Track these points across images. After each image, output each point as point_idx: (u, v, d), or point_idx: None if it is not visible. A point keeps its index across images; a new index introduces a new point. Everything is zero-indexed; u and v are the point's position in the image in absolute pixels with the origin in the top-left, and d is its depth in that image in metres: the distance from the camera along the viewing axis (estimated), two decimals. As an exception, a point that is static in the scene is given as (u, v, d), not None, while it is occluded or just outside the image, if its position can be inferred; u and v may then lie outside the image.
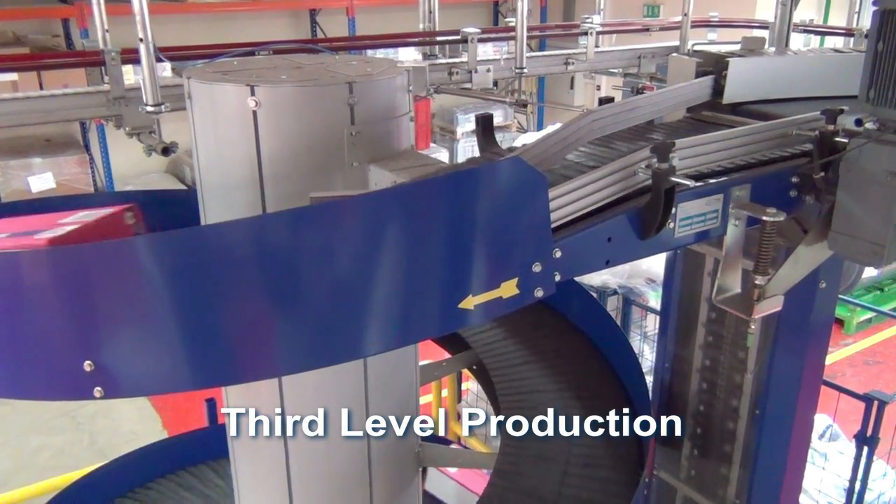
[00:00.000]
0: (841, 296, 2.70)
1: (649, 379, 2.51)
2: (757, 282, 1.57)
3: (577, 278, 2.49)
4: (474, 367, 2.61)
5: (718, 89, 2.01)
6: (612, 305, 4.75)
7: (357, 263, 1.15)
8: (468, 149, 10.70)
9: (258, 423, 1.87)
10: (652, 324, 4.70)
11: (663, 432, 2.47)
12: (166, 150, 2.53)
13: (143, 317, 1.12)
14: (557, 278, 1.33)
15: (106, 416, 6.21)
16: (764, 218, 1.51)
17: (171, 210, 2.39)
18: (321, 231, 1.12)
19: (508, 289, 1.26)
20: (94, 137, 8.81)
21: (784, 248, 1.89)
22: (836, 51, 2.28)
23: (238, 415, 1.92)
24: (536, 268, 1.28)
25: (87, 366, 1.13)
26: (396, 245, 1.17)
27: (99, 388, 1.14)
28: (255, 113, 1.54)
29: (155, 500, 2.78)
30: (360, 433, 1.84)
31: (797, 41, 4.89)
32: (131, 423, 6.10)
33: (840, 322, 7.38)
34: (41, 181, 7.66)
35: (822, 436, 4.24)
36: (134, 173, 8.81)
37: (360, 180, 1.61)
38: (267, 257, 1.11)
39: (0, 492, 4.01)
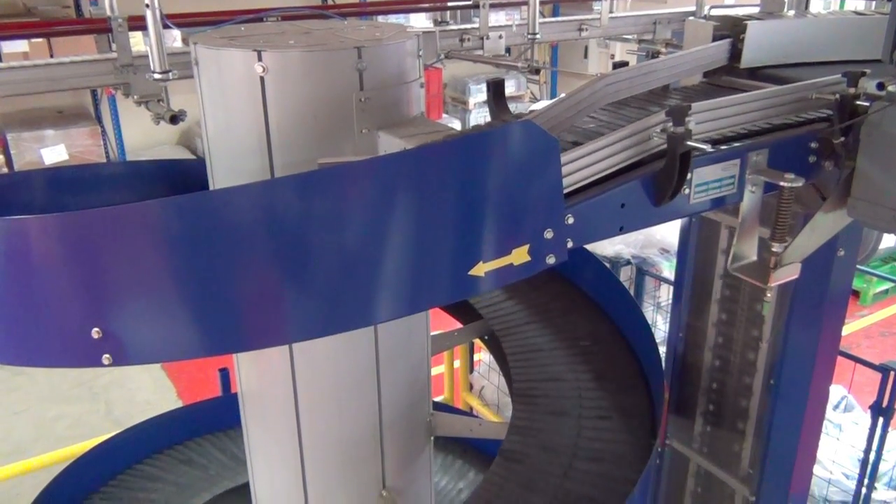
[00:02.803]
0: (858, 266, 2.66)
1: (662, 349, 2.49)
2: (774, 249, 1.54)
3: (589, 247, 2.47)
4: (486, 338, 2.60)
5: (736, 53, 1.97)
6: (626, 276, 4.72)
7: (366, 229, 1.13)
8: (480, 119, 10.65)
9: (269, 391, 1.88)
10: (665, 294, 4.68)
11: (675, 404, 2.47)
12: (174, 119, 2.51)
13: (151, 283, 1.11)
14: (570, 245, 1.31)
15: (121, 386, 6.28)
16: (782, 184, 1.48)
17: (181, 179, 2.38)
18: (329, 196, 1.10)
19: (520, 255, 1.24)
20: (105, 109, 8.82)
21: (802, 215, 1.86)
22: (858, 13, 2.22)
23: (250, 382, 1.93)
24: (548, 234, 1.26)
25: (96, 333, 1.12)
26: (405, 211, 1.15)
27: (107, 355, 1.14)
28: (262, 79, 1.52)
29: (170, 467, 2.81)
30: (372, 402, 1.85)
31: (817, 4, 4.79)
32: (146, 393, 6.17)
33: (856, 293, 7.32)
34: (54, 153, 7.69)
35: (836, 406, 4.22)
36: (145, 145, 8.83)
37: (369, 147, 1.58)
38: (274, 222, 1.10)
39: (19, 460, 4.07)
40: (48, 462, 3.66)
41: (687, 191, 1.45)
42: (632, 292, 4.44)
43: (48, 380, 6.35)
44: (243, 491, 2.62)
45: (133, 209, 1.11)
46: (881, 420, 3.41)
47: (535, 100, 11.11)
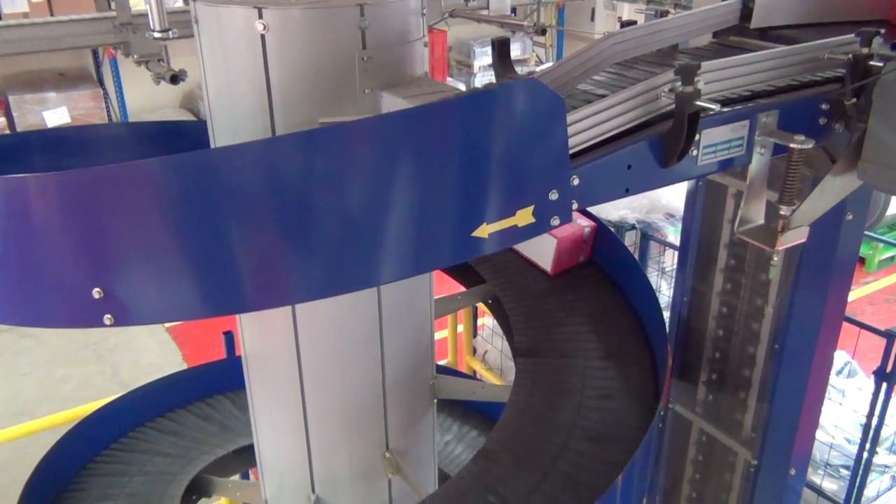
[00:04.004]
0: (864, 232, 2.64)
1: (666, 315, 2.48)
2: (782, 212, 1.52)
3: (594, 211, 2.45)
4: (490, 302, 2.59)
5: (747, 13, 1.92)
6: (630, 240, 4.70)
7: (367, 189, 1.11)
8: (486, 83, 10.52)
9: (272, 353, 1.88)
10: (670, 260, 4.66)
11: (679, 369, 2.47)
12: (175, 78, 2.48)
13: (151, 242, 1.10)
14: (575, 207, 1.30)
15: (127, 349, 6.33)
16: (791, 146, 1.45)
17: (182, 140, 2.37)
18: (330, 155, 1.08)
19: (524, 217, 1.23)
20: (107, 72, 8.76)
21: (810, 179, 1.84)
22: (873, -28, 2.16)
23: (253, 343, 1.93)
24: (553, 195, 1.24)
25: (97, 293, 1.11)
26: (408, 171, 1.13)
27: (109, 316, 1.13)
28: (263, 37, 1.49)
29: (174, 428, 2.83)
30: (375, 363, 1.85)
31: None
32: (152, 356, 6.22)
33: (861, 260, 7.30)
34: (56, 116, 7.65)
35: (839, 372, 4.22)
36: (148, 108, 8.78)
37: (372, 108, 1.56)
38: (274, 181, 1.08)
39: (26, 420, 4.12)
40: (55, 423, 3.70)
41: (695, 152, 1.43)
42: (636, 257, 4.42)
43: (55, 342, 6.40)
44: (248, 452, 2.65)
45: (132, 167, 1.10)
46: (884, 385, 3.41)
47: (540, 63, 10.99)
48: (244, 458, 2.73)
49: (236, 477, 3.02)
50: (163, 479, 2.54)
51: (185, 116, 8.97)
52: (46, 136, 2.28)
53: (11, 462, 4.08)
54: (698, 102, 1.32)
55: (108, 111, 8.37)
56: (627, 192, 1.39)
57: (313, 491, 1.99)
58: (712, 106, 1.34)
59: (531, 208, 1.23)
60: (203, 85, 1.68)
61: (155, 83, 2.55)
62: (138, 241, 1.10)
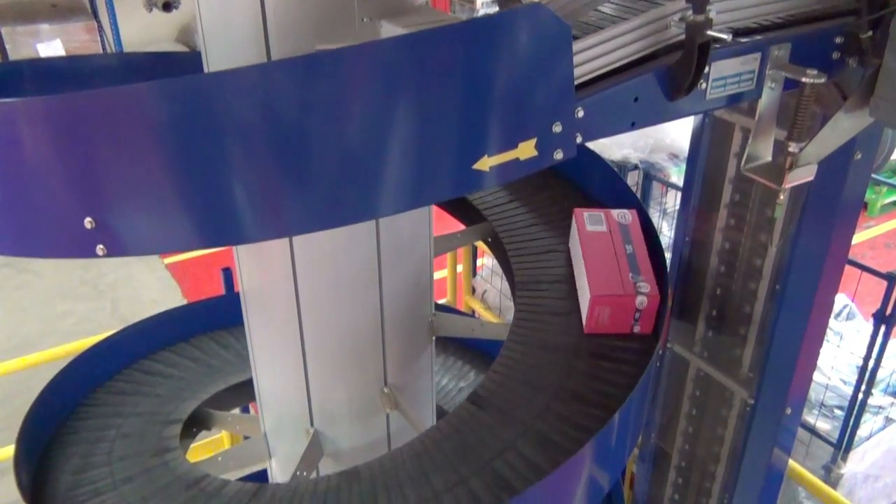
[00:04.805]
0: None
1: (668, 256, 2.46)
2: (790, 149, 1.48)
3: (597, 150, 2.40)
4: (489, 240, 2.57)
5: (761, -59, 1.85)
6: (633, 181, 4.67)
7: (365, 117, 1.08)
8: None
9: (270, 287, 1.87)
10: (672, 200, 4.63)
11: (678, 308, 2.46)
12: (167, 6, 2.41)
13: (143, 170, 1.07)
14: (579, 140, 1.26)
15: (127, 285, 6.36)
16: (803, 80, 1.41)
17: (176, 72, 2.31)
18: (326, 81, 1.04)
19: (526, 150, 1.19)
20: (101, 4, 8.56)
21: (819, 117, 1.79)
22: None
23: (251, 279, 1.92)
24: (556, 128, 1.21)
25: (88, 223, 1.09)
26: (406, 99, 1.09)
27: (101, 246, 1.11)
28: (258, -40, 1.44)
29: (174, 363, 2.84)
30: (374, 299, 1.84)
31: None
32: (152, 292, 6.25)
33: (864, 204, 7.27)
34: (50, 48, 7.52)
35: (838, 315, 4.24)
36: (143, 42, 8.63)
37: (371, 37, 1.51)
38: (269, 107, 1.05)
39: (27, 354, 4.15)
40: (55, 356, 3.72)
41: (704, 85, 1.39)
42: (638, 197, 4.38)
43: (54, 277, 6.42)
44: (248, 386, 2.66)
45: (124, 92, 1.06)
46: (883, 328, 3.43)
47: None
48: (243, 393, 2.74)
49: (236, 410, 3.05)
50: (162, 411, 2.56)
51: (181, 50, 8.82)
52: (38, 65, 2.22)
53: (13, 394, 4.13)
54: (709, 32, 1.27)
55: (102, 44, 8.22)
56: (633, 126, 1.36)
57: (312, 424, 2.01)
58: (724, 35, 1.29)
59: (534, 141, 1.19)
60: (196, 14, 1.63)
61: (147, 10, 2.48)
62: (130, 170, 1.08)
